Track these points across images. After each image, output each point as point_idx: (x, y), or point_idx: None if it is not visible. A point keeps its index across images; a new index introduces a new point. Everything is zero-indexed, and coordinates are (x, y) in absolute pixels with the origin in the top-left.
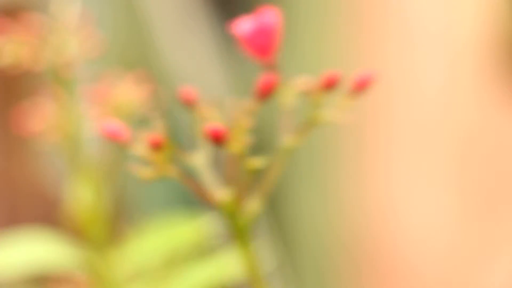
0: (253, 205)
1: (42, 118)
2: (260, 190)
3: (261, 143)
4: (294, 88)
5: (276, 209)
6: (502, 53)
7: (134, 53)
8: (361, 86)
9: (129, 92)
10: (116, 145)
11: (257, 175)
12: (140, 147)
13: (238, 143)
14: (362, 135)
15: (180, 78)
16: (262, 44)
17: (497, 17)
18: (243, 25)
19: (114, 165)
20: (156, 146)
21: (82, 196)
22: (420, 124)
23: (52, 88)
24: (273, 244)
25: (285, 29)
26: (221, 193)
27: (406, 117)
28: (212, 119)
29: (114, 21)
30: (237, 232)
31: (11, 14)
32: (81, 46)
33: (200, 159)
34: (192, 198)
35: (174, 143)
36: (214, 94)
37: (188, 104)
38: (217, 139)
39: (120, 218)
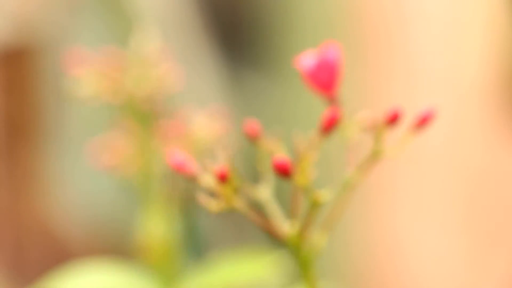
0: (318, 239)
1: (117, 151)
2: (325, 224)
3: (322, 177)
4: (357, 122)
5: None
6: (508, 92)
7: None
8: (423, 122)
9: (205, 127)
10: (185, 177)
11: (320, 209)
12: (208, 179)
13: (304, 176)
14: (368, 173)
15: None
16: (325, 79)
17: (502, 57)
18: (307, 60)
19: (186, 199)
20: (223, 179)
21: (154, 229)
22: (426, 163)
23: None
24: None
25: (289, 50)
26: (286, 227)
27: (412, 156)
28: (277, 152)
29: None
30: (302, 266)
31: (18, 55)
32: (160, 80)
33: (265, 192)
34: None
35: (241, 176)
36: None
37: (252, 138)
38: (284, 172)
39: (190, 251)
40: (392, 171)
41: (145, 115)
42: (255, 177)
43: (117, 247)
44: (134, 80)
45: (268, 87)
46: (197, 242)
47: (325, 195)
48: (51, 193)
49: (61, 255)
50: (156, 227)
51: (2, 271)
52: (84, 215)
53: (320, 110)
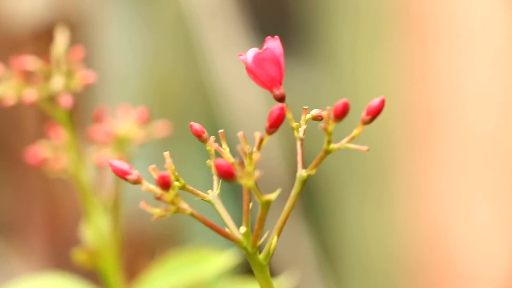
0: (271, 241)
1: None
2: (278, 223)
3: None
4: (305, 118)
5: (328, 227)
6: None
7: (185, 72)
8: (373, 113)
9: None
10: (128, 182)
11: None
12: (149, 185)
13: (249, 177)
14: (415, 150)
15: (226, 93)
16: (269, 73)
17: None
18: (248, 55)
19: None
20: (164, 185)
21: (94, 231)
22: (474, 136)
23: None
24: (321, 262)
25: (338, 41)
26: (238, 232)
27: (460, 130)
28: (223, 153)
29: (162, 45)
30: (257, 268)
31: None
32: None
33: (213, 195)
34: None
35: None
36: (255, 108)
37: (199, 138)
38: (227, 176)
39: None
40: (440, 145)
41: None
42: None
43: None
44: (57, 80)
45: (308, 75)
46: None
47: (273, 196)
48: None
49: None
50: (94, 229)
51: (55, 248)
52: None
53: (362, 98)
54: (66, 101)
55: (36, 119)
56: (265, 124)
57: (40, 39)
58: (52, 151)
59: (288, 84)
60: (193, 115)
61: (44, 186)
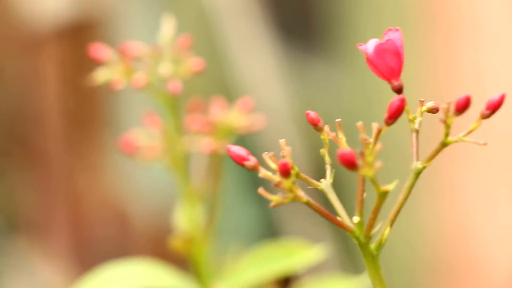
0: (384, 232)
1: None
2: (391, 215)
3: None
4: (421, 110)
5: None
6: None
7: (206, 69)
8: (493, 108)
9: (231, 117)
10: (244, 168)
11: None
12: (268, 172)
13: (370, 168)
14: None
15: (248, 90)
16: (389, 65)
17: None
18: (370, 46)
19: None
20: (285, 173)
21: (187, 220)
22: (497, 134)
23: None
24: (343, 260)
25: (361, 38)
26: (351, 221)
27: (483, 128)
28: (341, 143)
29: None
30: (368, 258)
31: (82, 31)
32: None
33: (326, 184)
34: (276, 228)
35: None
36: (277, 105)
37: (314, 126)
38: (350, 165)
39: (263, 238)
40: (462, 146)
41: (175, 105)
42: (317, 166)
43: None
44: (166, 68)
45: (330, 73)
46: (270, 229)
47: (391, 186)
48: (116, 177)
49: (127, 232)
50: (189, 218)
51: (78, 247)
52: (146, 197)
53: (384, 97)
54: (174, 87)
55: (60, 118)
56: (291, 122)
57: (64, 38)
58: (147, 139)
59: (311, 81)
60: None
61: (67, 186)
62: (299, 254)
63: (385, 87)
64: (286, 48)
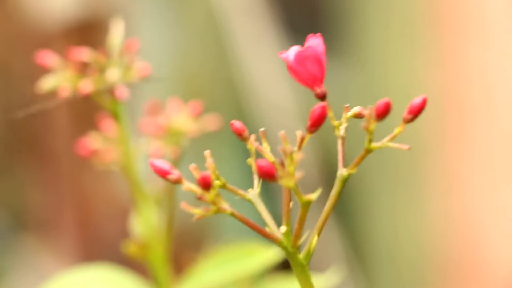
0: (312, 241)
1: (103, 140)
2: (318, 223)
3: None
4: (346, 116)
5: (359, 224)
6: None
7: (214, 69)
8: (414, 112)
9: (181, 119)
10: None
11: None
12: (190, 185)
13: (290, 178)
14: (446, 147)
15: (255, 90)
16: (310, 72)
17: None
18: (291, 53)
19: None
20: (206, 186)
21: (144, 223)
22: (505, 133)
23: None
24: (350, 259)
25: (369, 37)
26: (279, 231)
27: (491, 127)
28: (264, 152)
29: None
30: (297, 268)
31: (90, 29)
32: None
33: (253, 194)
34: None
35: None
36: (284, 105)
37: (240, 137)
38: (268, 176)
39: (196, 242)
40: (471, 142)
41: (121, 110)
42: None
43: None
44: (113, 72)
45: (338, 72)
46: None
47: (314, 196)
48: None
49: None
50: (144, 222)
51: (85, 245)
52: None
53: (392, 95)
54: (122, 93)
55: (68, 117)
56: (298, 122)
57: (71, 36)
58: (102, 143)
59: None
60: (222, 112)
61: (75, 184)
62: (258, 255)
63: (394, 85)
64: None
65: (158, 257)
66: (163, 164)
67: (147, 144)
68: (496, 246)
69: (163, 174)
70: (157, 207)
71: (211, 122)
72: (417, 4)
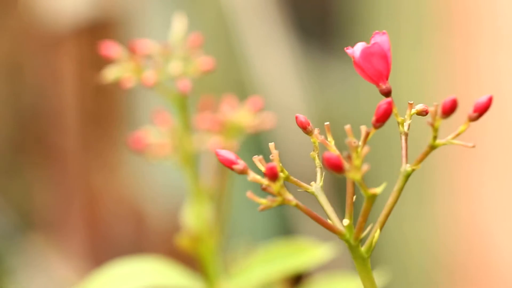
0: (374, 234)
1: (158, 134)
2: (381, 217)
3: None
4: (410, 113)
5: (366, 223)
6: None
7: (224, 69)
8: (480, 110)
9: (241, 115)
10: (230, 172)
11: (375, 203)
12: (256, 176)
13: (357, 171)
14: (455, 150)
15: (265, 90)
16: (376, 68)
17: None
18: (357, 49)
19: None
20: (273, 176)
21: (195, 218)
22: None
23: (163, 107)
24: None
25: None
26: (342, 224)
27: (500, 130)
28: (329, 146)
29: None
30: (358, 261)
31: (100, 29)
32: (189, 65)
33: (317, 187)
34: (290, 226)
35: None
36: (294, 105)
37: (305, 130)
38: (335, 168)
39: (277, 236)
40: (480, 147)
41: (181, 99)
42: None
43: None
44: (176, 67)
45: (348, 74)
46: (284, 227)
47: (380, 189)
48: (132, 175)
49: (142, 230)
50: (197, 216)
51: (94, 245)
52: (161, 195)
53: (400, 99)
54: (184, 85)
55: (77, 116)
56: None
57: (82, 36)
58: (157, 137)
59: (328, 82)
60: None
61: (83, 183)
62: (308, 252)
63: (404, 87)
64: (304, 48)
65: (209, 251)
66: (229, 154)
67: (203, 139)
68: (504, 249)
69: (229, 164)
70: (211, 202)
71: (268, 119)
72: (427, 6)
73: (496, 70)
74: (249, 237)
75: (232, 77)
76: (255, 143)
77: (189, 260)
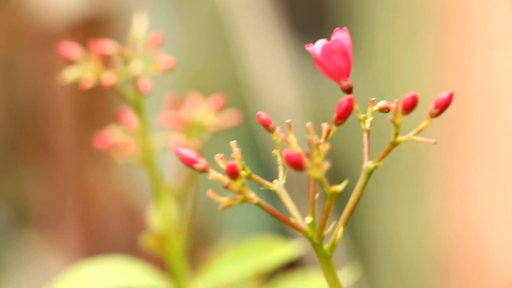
0: (337, 232)
1: (123, 134)
2: (343, 215)
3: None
4: (372, 110)
5: (360, 221)
6: None
7: (218, 66)
8: (441, 107)
9: (203, 113)
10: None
11: (338, 199)
12: (217, 174)
13: (318, 168)
14: (449, 146)
15: (259, 87)
16: (337, 65)
17: None
18: (317, 46)
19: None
20: (233, 175)
21: (162, 217)
22: (508, 133)
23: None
24: (352, 259)
25: (374, 36)
26: (304, 222)
27: (494, 127)
28: (290, 143)
29: (198, 38)
30: (322, 259)
31: (94, 26)
32: (149, 64)
33: (280, 185)
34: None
35: (254, 167)
36: (288, 103)
37: (266, 128)
38: (296, 166)
39: (205, 238)
40: (474, 141)
41: (138, 98)
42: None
43: None
44: (136, 64)
45: None
46: (276, 223)
47: (341, 187)
48: (126, 173)
49: (136, 227)
50: (162, 215)
51: (88, 242)
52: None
53: (397, 94)
54: (144, 85)
55: (72, 114)
56: (302, 119)
57: (76, 33)
58: (122, 136)
59: (323, 79)
60: (226, 109)
61: (77, 180)
62: (275, 250)
63: (398, 84)
64: (298, 45)
65: (176, 251)
66: (190, 153)
67: (167, 137)
68: (498, 246)
69: (190, 162)
70: (176, 201)
71: (232, 117)
72: (422, 3)
73: (490, 67)
74: (239, 232)
75: (226, 75)
76: (249, 140)
77: (192, 259)
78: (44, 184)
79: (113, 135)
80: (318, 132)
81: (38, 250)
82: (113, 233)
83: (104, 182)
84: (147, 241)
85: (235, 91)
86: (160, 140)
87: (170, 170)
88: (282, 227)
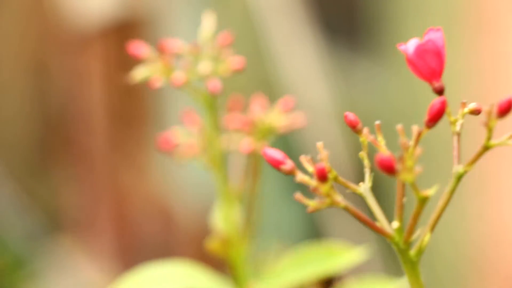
0: (424, 238)
1: (186, 135)
2: (431, 220)
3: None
4: (463, 112)
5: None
6: None
7: (249, 68)
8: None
9: (271, 116)
10: (279, 172)
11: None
12: (305, 177)
13: (410, 172)
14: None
15: (291, 89)
16: (429, 65)
17: None
18: (410, 46)
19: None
20: (322, 178)
21: (227, 220)
22: None
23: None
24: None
25: (407, 37)
26: (392, 226)
27: None
28: (380, 146)
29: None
30: (407, 265)
31: (127, 29)
32: (218, 65)
33: (365, 188)
34: (316, 226)
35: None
36: (320, 104)
37: (354, 129)
38: (388, 170)
39: (306, 239)
40: (507, 149)
41: (213, 104)
42: (361, 166)
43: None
44: (205, 66)
45: (375, 73)
46: (312, 229)
47: (432, 191)
48: (160, 175)
49: (171, 230)
50: (226, 218)
51: (122, 245)
52: (190, 195)
53: (430, 97)
54: (214, 85)
55: (105, 116)
56: (334, 121)
57: (109, 36)
58: (186, 137)
59: (355, 80)
60: None
61: (111, 183)
62: (340, 255)
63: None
64: (330, 46)
65: (239, 254)
66: (277, 154)
67: (232, 139)
68: None
69: (277, 164)
70: (240, 204)
71: (300, 119)
72: (456, 5)
73: None
74: (279, 239)
75: (258, 76)
76: (283, 143)
77: (217, 261)
78: (78, 188)
79: (177, 136)
80: (349, 134)
81: (71, 255)
82: (147, 236)
83: (138, 184)
84: (212, 245)
85: (268, 93)
86: (226, 142)
87: (235, 173)
88: (316, 232)
